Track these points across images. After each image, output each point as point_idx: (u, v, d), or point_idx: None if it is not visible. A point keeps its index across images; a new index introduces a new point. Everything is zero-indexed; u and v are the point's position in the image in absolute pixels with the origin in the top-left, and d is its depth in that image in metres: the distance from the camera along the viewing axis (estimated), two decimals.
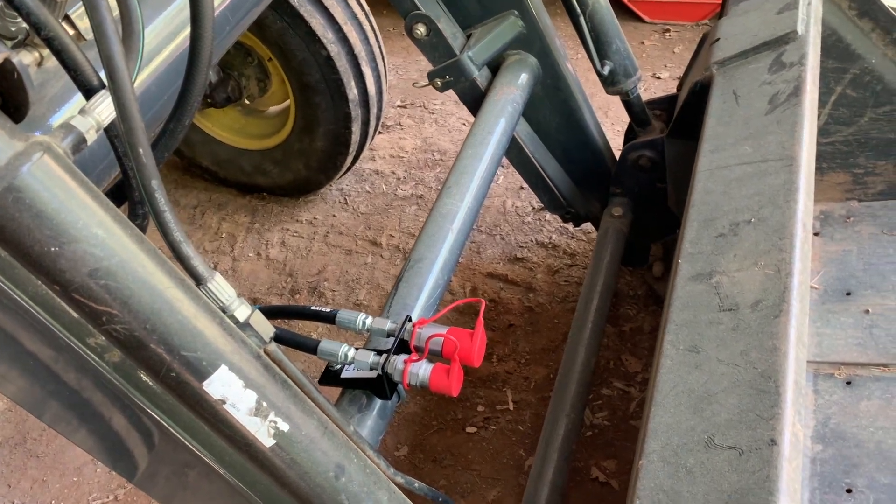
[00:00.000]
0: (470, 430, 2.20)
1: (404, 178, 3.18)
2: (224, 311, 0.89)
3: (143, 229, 0.98)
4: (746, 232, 1.38)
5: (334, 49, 2.60)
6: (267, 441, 0.88)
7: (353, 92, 2.70)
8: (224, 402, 0.84)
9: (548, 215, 2.81)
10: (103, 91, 0.81)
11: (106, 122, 0.80)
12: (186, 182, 3.38)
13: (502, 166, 3.06)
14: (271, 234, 3.06)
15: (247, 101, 3.05)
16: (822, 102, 2.23)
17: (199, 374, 0.81)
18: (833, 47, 2.12)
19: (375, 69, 2.77)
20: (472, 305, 2.34)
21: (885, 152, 2.27)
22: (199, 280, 0.87)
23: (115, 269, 0.74)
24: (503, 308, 2.54)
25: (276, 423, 0.87)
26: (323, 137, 2.86)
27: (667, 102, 2.20)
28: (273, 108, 3.10)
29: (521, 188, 2.98)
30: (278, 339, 1.29)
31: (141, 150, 0.77)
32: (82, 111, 0.79)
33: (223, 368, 0.82)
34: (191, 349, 0.80)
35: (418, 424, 2.25)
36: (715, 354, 1.22)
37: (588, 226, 2.59)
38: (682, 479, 1.08)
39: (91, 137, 0.79)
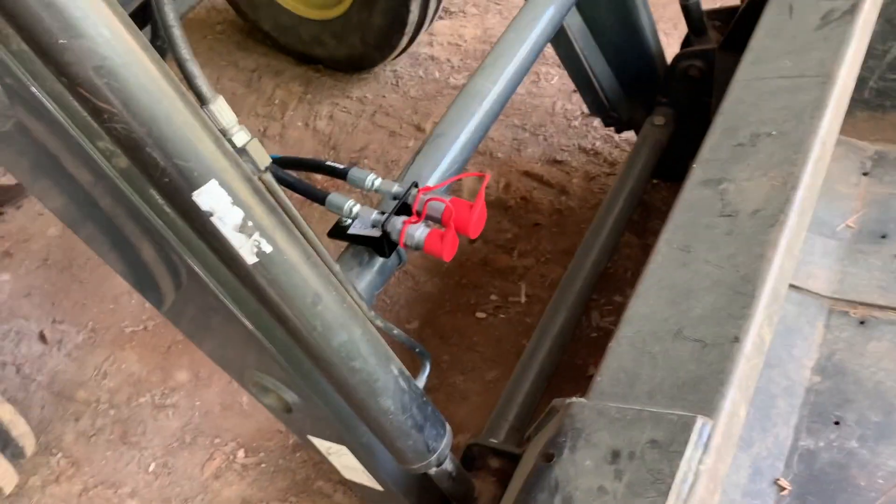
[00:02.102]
0: (480, 315, 2.28)
1: (459, 66, 3.16)
2: (224, 134, 0.94)
3: (163, 53, 1.03)
4: (765, 143, 1.37)
5: None
6: (250, 258, 0.95)
7: None
8: (212, 215, 0.90)
9: (595, 122, 2.78)
10: None
11: None
12: (248, 45, 3.43)
13: (558, 66, 3.01)
14: (321, 106, 3.11)
15: None
16: (895, 34, 2.12)
17: (189, 184, 0.88)
18: None
19: None
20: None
21: None
22: (202, 100, 0.92)
23: (118, 69, 0.79)
24: (533, 207, 2.56)
25: (259, 242, 0.94)
26: (381, 14, 2.85)
27: (727, 14, 2.12)
28: None
29: (574, 91, 2.93)
30: (290, 186, 1.36)
31: None
32: None
33: (213, 182, 0.88)
34: (183, 158, 0.86)
35: (432, 303, 2.34)
36: (704, 255, 1.24)
37: (633, 136, 2.55)
38: (645, 363, 1.13)
39: None
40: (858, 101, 2.22)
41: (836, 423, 1.67)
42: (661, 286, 1.23)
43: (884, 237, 2.02)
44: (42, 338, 2.38)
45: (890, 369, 1.74)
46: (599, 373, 1.16)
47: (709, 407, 1.02)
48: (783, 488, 1.57)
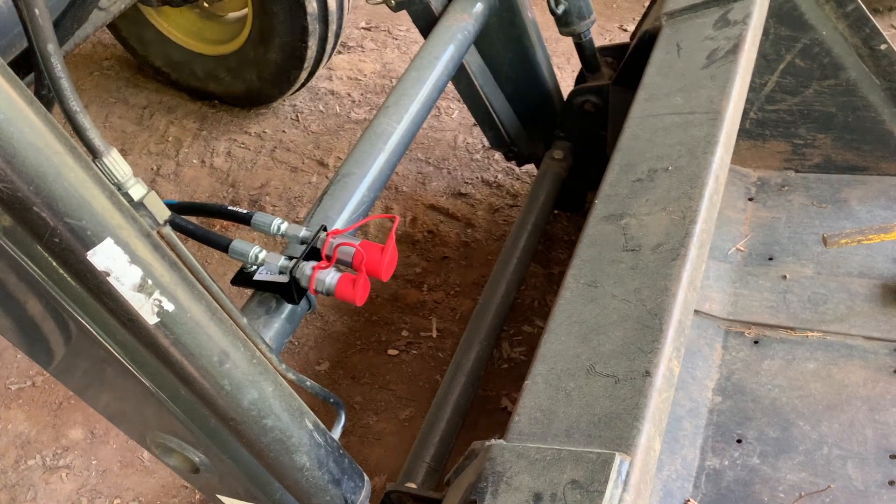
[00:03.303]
0: (392, 352, 2.25)
1: (359, 101, 3.15)
2: (119, 188, 0.89)
3: (49, 103, 0.97)
4: (662, 179, 1.42)
5: None
6: (151, 318, 0.90)
7: (312, 5, 2.65)
8: (108, 275, 0.85)
9: (497, 155, 2.83)
10: None
11: None
12: (138, 81, 3.31)
13: (458, 101, 3.05)
14: (218, 142, 3.02)
15: (205, 4, 2.97)
16: (770, 69, 2.27)
17: (83, 243, 0.82)
18: (787, 15, 2.14)
19: None
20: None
21: (826, 125, 2.32)
22: (94, 153, 0.87)
23: (0, 125, 0.74)
24: (440, 240, 2.57)
25: (160, 301, 0.89)
26: (278, 49, 2.81)
27: (619, 50, 2.21)
28: (231, 14, 3.02)
29: (475, 125, 2.97)
30: (191, 234, 1.31)
31: (37, 11, 0.76)
32: None
33: (108, 241, 0.83)
34: (76, 217, 0.81)
35: (342, 343, 2.29)
36: (611, 290, 1.26)
37: (533, 169, 2.61)
38: (561, 400, 1.14)
39: None
40: (741, 132, 2.35)
41: (739, 441, 1.74)
42: (572, 322, 1.25)
43: (770, 259, 2.13)
44: None
45: (784, 386, 1.83)
46: (516, 412, 1.16)
47: (626, 443, 1.03)
48: None
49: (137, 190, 0.90)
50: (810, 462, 1.67)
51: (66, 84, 0.81)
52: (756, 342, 1.94)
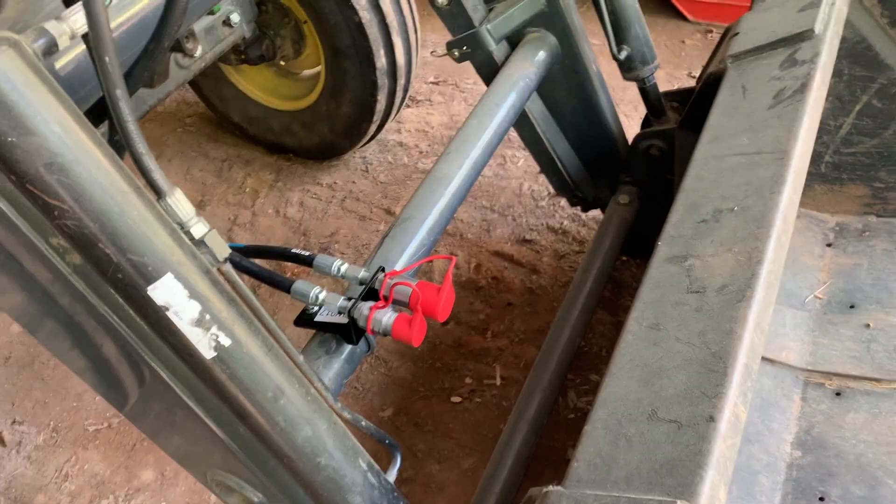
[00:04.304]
0: (455, 399, 2.23)
1: (427, 151, 3.21)
2: (181, 227, 0.93)
3: (121, 149, 1.03)
4: (727, 219, 1.38)
5: (366, 16, 2.63)
6: (207, 353, 0.92)
7: (381, 60, 2.73)
8: (167, 309, 0.88)
9: (562, 201, 2.81)
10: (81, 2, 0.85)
11: (80, 31, 0.85)
12: (218, 136, 3.46)
13: (523, 149, 3.07)
14: (292, 193, 3.12)
15: (281, 63, 3.10)
16: (846, 111, 2.20)
17: (144, 278, 0.86)
18: (862, 55, 2.08)
19: (406, 40, 2.80)
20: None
21: None
22: (158, 193, 0.91)
23: (69, 165, 0.78)
24: (504, 287, 2.56)
25: (217, 336, 0.91)
26: (349, 103, 2.91)
27: (684, 95, 2.19)
28: (306, 72, 3.15)
29: (540, 172, 2.97)
30: (255, 275, 1.34)
31: (107, 59, 0.81)
32: (58, 18, 0.84)
33: (168, 276, 0.87)
34: (137, 253, 0.84)
35: (406, 389, 2.29)
36: (674, 333, 1.22)
37: (600, 215, 2.58)
38: (621, 446, 1.10)
39: (63, 44, 0.83)
40: (816, 176, 2.27)
41: (821, 499, 1.64)
42: (633, 365, 1.21)
43: (852, 307, 2.03)
44: (0, 440, 2.28)
45: (870, 441, 1.72)
46: (575, 458, 1.12)
47: (688, 491, 0.99)
48: None
49: (199, 228, 0.94)
50: None
51: (132, 128, 0.85)
52: (838, 394, 1.84)
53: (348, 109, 2.93)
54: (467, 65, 2.06)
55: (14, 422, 2.33)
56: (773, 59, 1.74)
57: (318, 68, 3.00)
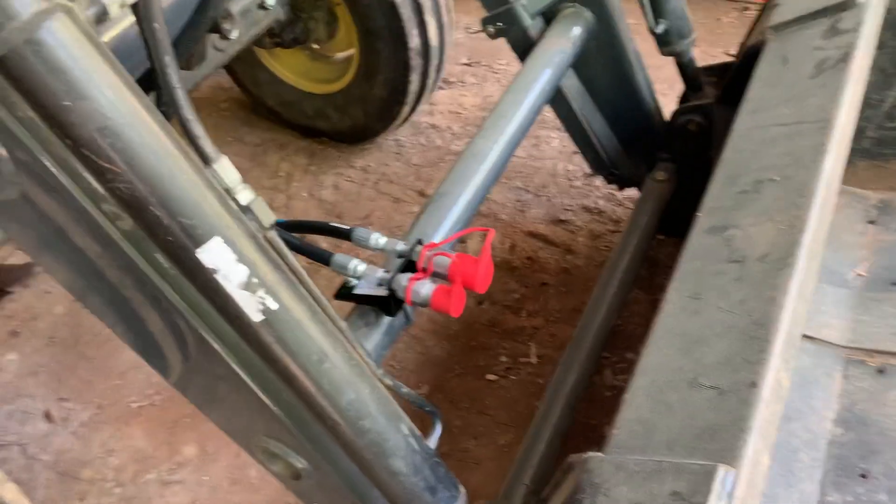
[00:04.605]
0: (490, 377, 2.24)
1: (459, 133, 3.21)
2: (228, 193, 0.94)
3: (168, 117, 1.05)
4: (768, 189, 1.36)
5: None
6: (255, 316, 0.94)
7: (414, 41, 2.73)
8: (216, 272, 0.90)
9: (597, 181, 2.80)
10: None
11: (130, 1, 0.86)
12: (252, 121, 3.50)
13: (558, 129, 3.05)
14: (326, 176, 3.14)
15: (314, 46, 3.12)
16: (889, 84, 2.15)
17: (193, 241, 0.87)
18: None
19: (439, 21, 2.80)
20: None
21: None
22: (206, 159, 0.93)
23: (121, 129, 0.80)
24: (539, 266, 2.55)
25: (264, 299, 0.93)
26: (382, 85, 2.91)
27: (722, 70, 2.16)
28: (339, 55, 3.16)
29: (575, 153, 2.96)
30: (294, 247, 1.36)
31: (156, 26, 0.83)
32: None
33: (217, 239, 0.88)
34: (187, 216, 0.86)
35: (441, 367, 2.30)
36: (715, 302, 1.22)
37: (636, 194, 2.57)
38: (661, 412, 1.10)
39: (114, 12, 0.85)
40: (858, 151, 2.23)
41: (863, 476, 1.62)
42: (673, 335, 1.21)
43: (895, 284, 1.99)
44: (48, 416, 2.35)
45: None
46: (615, 425, 1.12)
47: (730, 455, 0.98)
48: None
49: (245, 195, 0.96)
50: None
51: (180, 94, 0.87)
52: (881, 371, 1.81)
53: (381, 92, 2.94)
54: (500, 46, 2.05)
55: (60, 399, 2.39)
56: (814, 29, 1.71)
57: (351, 51, 3.01)
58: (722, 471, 0.95)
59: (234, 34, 2.38)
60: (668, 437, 1.06)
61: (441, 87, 3.42)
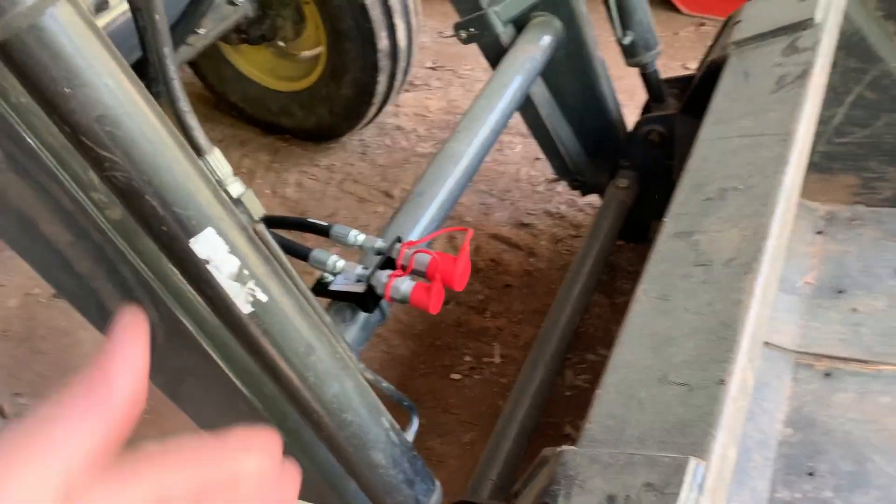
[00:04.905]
0: (454, 376, 2.27)
1: (425, 136, 3.24)
2: (219, 184, 0.95)
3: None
4: (733, 197, 1.43)
5: None
6: (245, 307, 0.94)
7: (383, 42, 2.75)
8: (208, 262, 0.91)
9: (559, 187, 2.86)
10: None
11: None
12: (214, 117, 3.46)
13: (521, 135, 3.11)
14: (289, 174, 3.13)
15: (280, 43, 3.12)
16: (839, 101, 2.25)
17: (187, 231, 0.88)
18: (856, 46, 2.14)
19: (408, 24, 2.82)
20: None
21: None
22: (199, 151, 0.94)
23: (121, 118, 0.81)
24: (503, 269, 2.60)
25: (254, 291, 0.94)
26: (350, 85, 2.93)
27: (684, 82, 2.24)
28: (305, 53, 3.16)
29: (537, 158, 3.02)
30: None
31: (157, 17, 0.83)
32: None
33: (210, 230, 0.89)
34: (182, 207, 0.87)
35: (406, 366, 2.32)
36: (683, 303, 1.27)
37: (596, 200, 2.63)
38: (633, 408, 1.14)
39: (114, 2, 0.86)
40: (808, 165, 2.33)
41: (810, 474, 1.69)
42: (643, 334, 1.26)
43: (841, 292, 2.09)
44: (1, 412, 2.29)
45: (857, 419, 1.78)
46: (588, 419, 1.16)
47: (700, 449, 1.03)
48: None
49: (236, 188, 0.97)
50: (887, 497, 1.62)
51: (177, 85, 0.88)
52: (827, 374, 1.90)
53: (348, 91, 2.95)
54: (465, 51, 2.08)
55: (14, 394, 2.34)
56: (774, 46, 1.78)
57: (318, 49, 3.02)
58: (693, 463, 1.00)
59: (202, 29, 2.37)
60: (639, 432, 1.10)
61: (406, 90, 3.44)
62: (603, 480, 1.04)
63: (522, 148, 3.09)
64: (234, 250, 0.92)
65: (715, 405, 1.08)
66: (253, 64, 3.21)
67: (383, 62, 2.81)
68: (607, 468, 1.05)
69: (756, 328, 1.19)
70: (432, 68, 3.62)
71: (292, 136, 3.30)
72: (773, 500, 1.68)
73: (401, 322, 2.42)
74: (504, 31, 2.04)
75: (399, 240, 1.37)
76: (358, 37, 2.76)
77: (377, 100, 2.95)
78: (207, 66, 3.27)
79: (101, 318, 1.18)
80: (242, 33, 2.90)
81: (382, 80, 2.88)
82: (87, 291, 1.13)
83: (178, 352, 1.16)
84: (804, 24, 1.78)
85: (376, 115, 3.10)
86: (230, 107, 3.38)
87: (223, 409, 1.23)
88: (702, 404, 1.09)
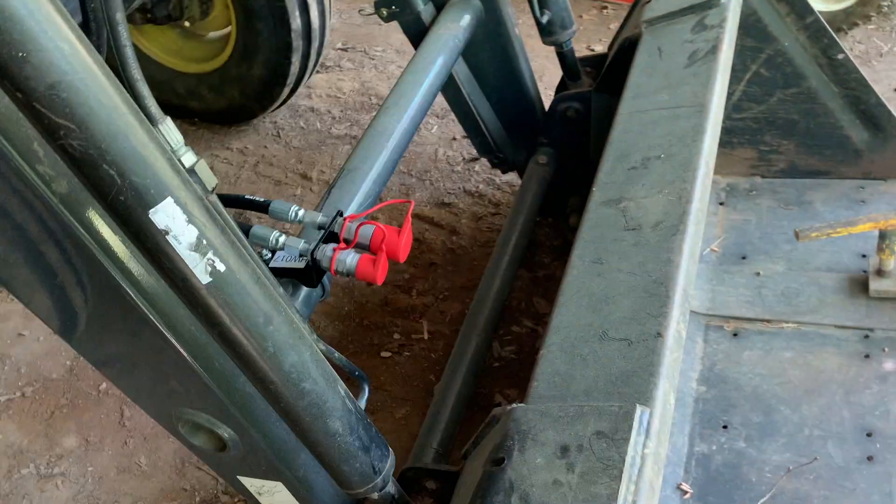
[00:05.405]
0: (385, 354, 2.29)
1: (339, 118, 3.22)
2: (173, 153, 0.94)
3: None
4: (655, 166, 1.51)
5: None
6: (203, 278, 0.93)
7: (296, 22, 2.72)
8: (167, 233, 0.89)
9: (476, 166, 2.91)
10: None
11: None
12: None
13: (437, 116, 3.14)
14: None
15: (186, 24, 3.02)
16: (737, 79, 2.40)
17: (145, 202, 0.86)
18: (752, 27, 2.28)
19: (321, 3, 2.80)
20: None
21: (789, 132, 2.45)
22: (152, 120, 0.92)
23: (77, 85, 0.78)
24: (427, 248, 2.63)
25: (213, 261, 0.93)
26: (262, 66, 2.87)
27: (598, 60, 2.33)
28: (213, 34, 3.08)
29: (454, 139, 3.07)
30: None
31: None
32: None
33: (169, 200, 0.88)
34: (140, 176, 0.85)
35: (335, 346, 2.29)
36: (616, 265, 1.34)
37: (513, 179, 2.70)
38: (577, 364, 1.20)
39: None
40: None
41: (724, 427, 1.82)
42: (581, 295, 1.32)
43: (744, 258, 2.24)
44: None
45: (764, 374, 1.92)
46: (534, 378, 1.22)
47: (644, 397, 1.10)
48: (686, 492, 1.69)
49: (189, 157, 0.95)
50: (793, 443, 1.76)
51: (129, 52, 0.86)
52: (735, 335, 2.04)
53: (260, 72, 2.90)
54: (375, 31, 2.09)
55: None
56: (684, 24, 1.89)
57: (227, 30, 2.94)
58: (639, 410, 1.07)
59: None
60: (585, 386, 1.16)
61: (318, 72, 3.41)
62: (555, 432, 1.09)
63: (438, 129, 3.13)
64: (192, 220, 0.91)
65: (654, 356, 1.15)
66: (157, 45, 3.10)
67: (297, 42, 2.78)
68: (558, 420, 1.11)
69: (685, 284, 1.27)
70: (343, 49, 3.60)
71: (201, 119, 3.21)
72: (692, 453, 1.79)
73: (328, 303, 2.42)
74: (425, 10, 2.06)
75: (340, 214, 1.38)
76: (270, 16, 2.72)
77: (291, 80, 2.92)
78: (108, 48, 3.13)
79: (29, 294, 1.13)
80: (147, 13, 2.79)
81: (296, 60, 2.84)
82: (13, 266, 1.08)
83: (120, 327, 1.13)
84: (711, 3, 1.89)
85: (289, 96, 3.06)
86: None
87: (172, 388, 1.21)
88: (642, 356, 1.16)
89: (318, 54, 2.96)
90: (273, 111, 3.14)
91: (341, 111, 3.25)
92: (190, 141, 2.92)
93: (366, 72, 3.46)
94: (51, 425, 2.12)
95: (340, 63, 3.50)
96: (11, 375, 2.24)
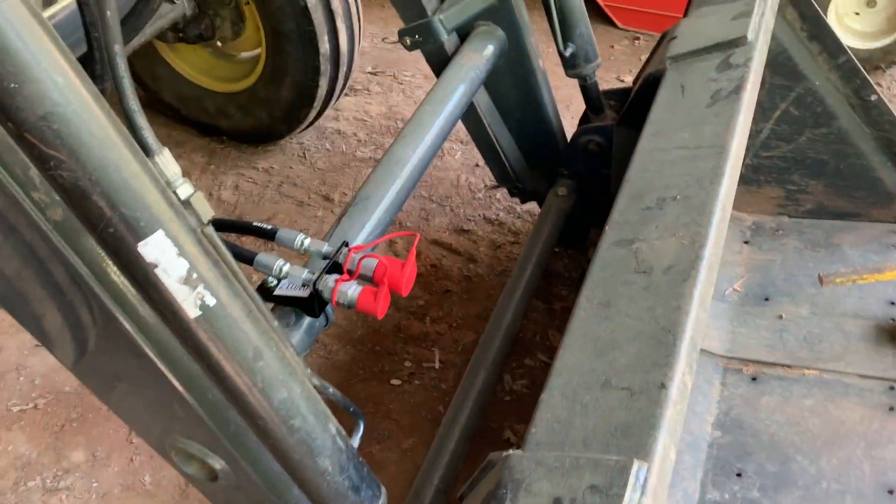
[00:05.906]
0: (394, 382, 2.27)
1: (365, 140, 3.23)
2: (168, 186, 0.93)
3: None
4: (671, 207, 1.47)
5: (311, 0, 2.63)
6: (193, 311, 0.93)
7: (325, 46, 2.74)
8: (156, 266, 0.89)
9: (498, 194, 2.89)
10: None
11: None
12: (147, 116, 3.36)
13: (461, 142, 3.14)
14: (226, 177, 3.08)
15: (219, 44, 3.06)
16: (766, 117, 2.36)
17: (135, 234, 0.86)
18: (782, 65, 2.24)
19: (350, 27, 2.81)
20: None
21: (818, 172, 2.40)
22: (147, 151, 0.91)
23: (69, 116, 0.78)
24: (443, 274, 2.61)
25: (203, 296, 0.92)
26: (290, 88, 2.89)
27: (622, 94, 2.30)
28: (244, 54, 3.11)
29: (477, 165, 3.05)
30: None
31: (108, 13, 0.81)
32: None
33: (160, 233, 0.87)
34: (131, 208, 0.85)
35: (346, 372, 2.31)
36: (625, 309, 1.30)
37: (534, 208, 2.68)
38: (577, 412, 1.17)
39: None
40: None
41: (738, 474, 1.76)
42: (586, 339, 1.29)
43: (767, 300, 2.18)
44: None
45: (782, 422, 1.86)
46: (533, 423, 1.18)
47: (642, 451, 1.06)
48: None
49: (185, 189, 0.95)
50: (810, 496, 1.70)
51: (127, 84, 0.86)
52: (754, 379, 1.98)
53: (288, 94, 2.92)
54: (405, 57, 2.09)
55: None
56: (709, 62, 1.85)
57: (258, 51, 2.98)
58: (636, 465, 1.03)
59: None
60: (584, 435, 1.13)
61: (346, 95, 3.43)
62: (549, 483, 1.06)
63: (462, 155, 3.12)
64: (182, 253, 0.90)
65: (656, 408, 1.11)
66: (189, 63, 3.15)
67: (325, 66, 2.80)
68: (553, 471, 1.07)
69: (694, 333, 1.23)
70: (373, 73, 3.62)
71: (229, 137, 3.24)
72: (703, 500, 1.74)
73: (340, 327, 2.41)
74: (448, 40, 2.05)
75: (346, 244, 1.36)
76: (299, 39, 2.74)
77: (318, 103, 2.93)
78: (141, 65, 3.19)
79: (32, 321, 1.14)
80: (179, 32, 2.83)
81: (323, 83, 2.86)
82: (15, 293, 1.08)
83: (116, 355, 1.12)
84: (737, 42, 1.85)
85: (316, 118, 3.07)
86: (164, 106, 3.30)
87: (167, 417, 1.20)
88: (644, 407, 1.12)
89: (346, 78, 2.98)
90: (300, 132, 3.16)
91: (367, 134, 3.26)
92: (217, 159, 2.97)
93: (394, 96, 3.47)
94: (60, 438, 2.13)
95: (369, 87, 3.52)
96: (26, 386, 2.26)
